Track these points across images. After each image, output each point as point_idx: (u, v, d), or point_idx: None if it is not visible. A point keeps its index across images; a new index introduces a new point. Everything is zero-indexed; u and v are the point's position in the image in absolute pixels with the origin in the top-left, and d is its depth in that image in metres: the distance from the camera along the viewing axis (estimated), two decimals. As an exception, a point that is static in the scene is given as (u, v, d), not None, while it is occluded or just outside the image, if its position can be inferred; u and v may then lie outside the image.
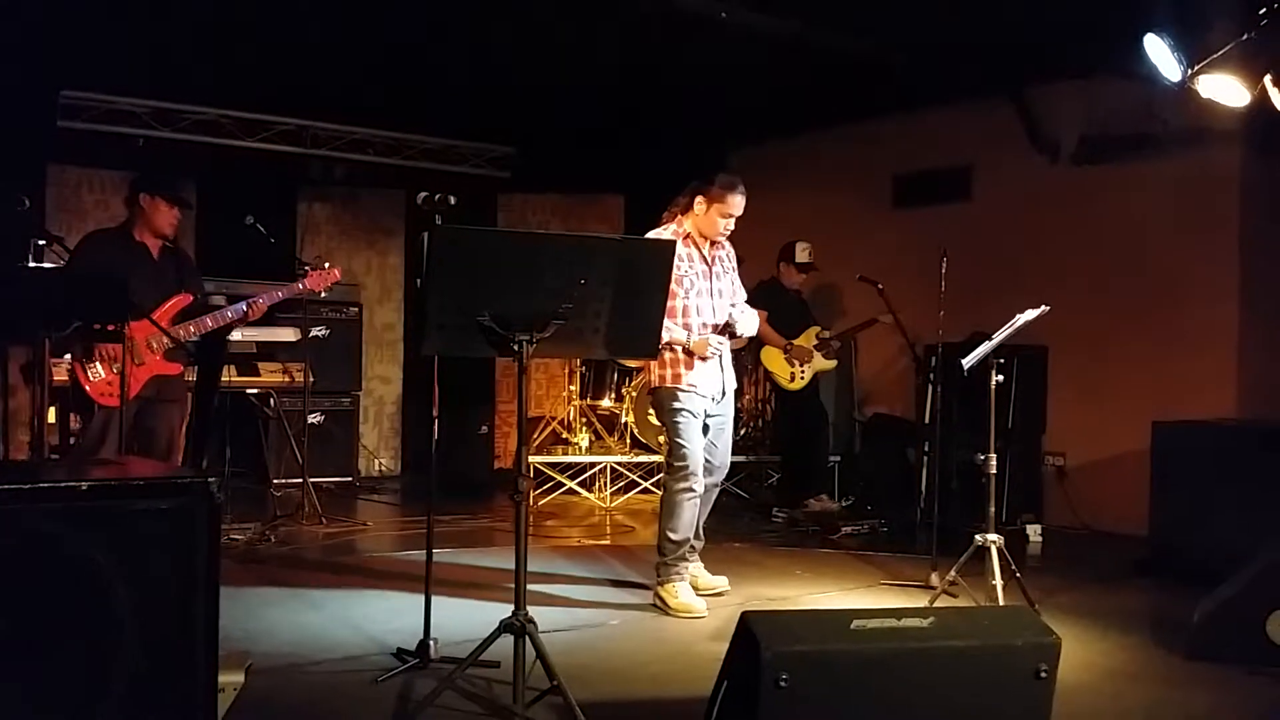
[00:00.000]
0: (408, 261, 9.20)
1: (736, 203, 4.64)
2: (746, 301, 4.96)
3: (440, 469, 4.23)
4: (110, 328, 4.56)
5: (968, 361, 4.71)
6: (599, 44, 6.74)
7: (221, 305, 5.27)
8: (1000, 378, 4.74)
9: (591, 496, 7.66)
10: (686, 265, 4.65)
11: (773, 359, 7.29)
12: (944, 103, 7.55)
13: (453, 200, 4.22)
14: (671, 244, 3.74)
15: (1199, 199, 6.49)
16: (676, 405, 4.61)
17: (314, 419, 7.76)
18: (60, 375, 5.32)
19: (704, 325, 4.66)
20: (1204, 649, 3.93)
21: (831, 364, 7.43)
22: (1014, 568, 4.55)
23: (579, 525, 6.95)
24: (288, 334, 7.04)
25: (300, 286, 5.45)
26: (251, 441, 7.46)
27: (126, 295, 4.45)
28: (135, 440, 4.97)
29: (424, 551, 3.83)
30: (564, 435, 8.05)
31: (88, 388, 4.84)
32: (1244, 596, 3.91)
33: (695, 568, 4.86)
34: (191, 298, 5.14)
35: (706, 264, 4.75)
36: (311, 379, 6.99)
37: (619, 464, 7.65)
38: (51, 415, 5.57)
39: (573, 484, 7.63)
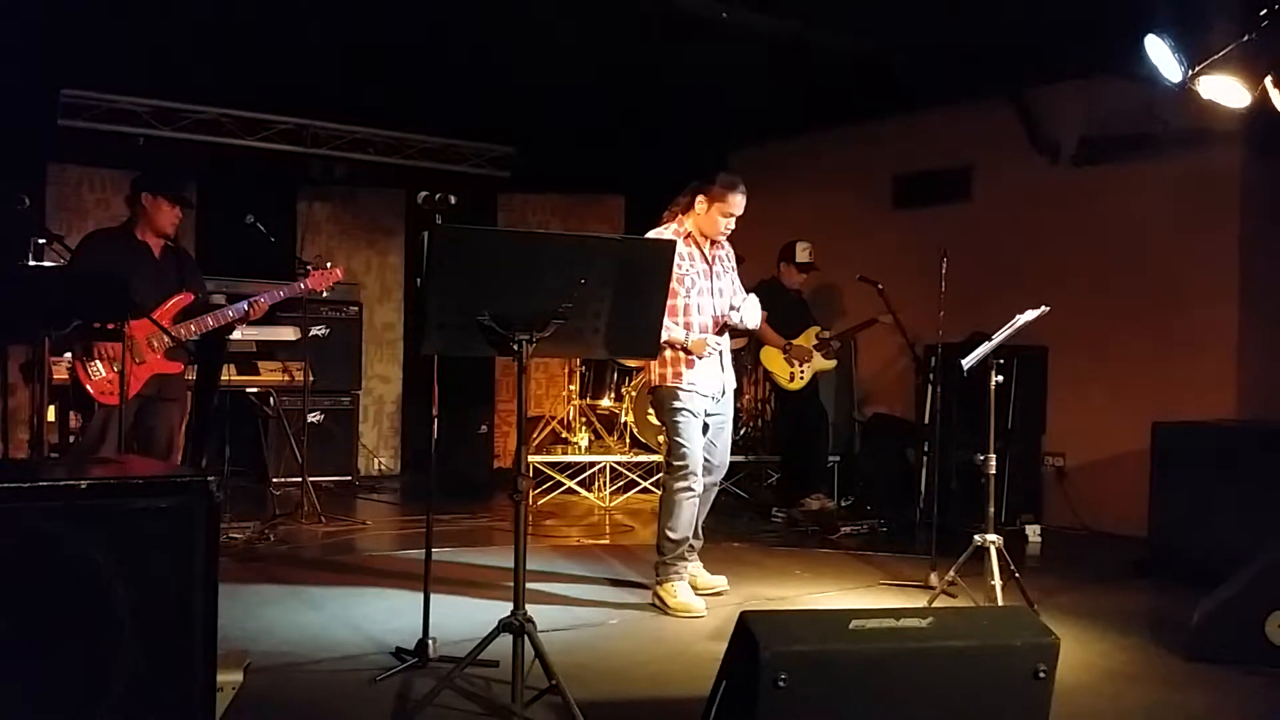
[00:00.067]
0: (408, 261, 9.20)
1: (737, 202, 4.64)
2: (747, 301, 4.96)
3: (440, 468, 4.23)
4: (110, 326, 4.57)
5: (967, 362, 4.71)
6: (599, 44, 6.73)
7: (222, 305, 5.28)
8: (1000, 378, 4.74)
9: (591, 496, 7.66)
10: (688, 264, 4.65)
11: (772, 359, 7.29)
12: (944, 103, 7.55)
13: (453, 200, 4.22)
14: (671, 244, 3.74)
15: (1199, 200, 6.49)
16: (677, 405, 4.61)
17: (314, 418, 7.76)
18: (60, 374, 5.33)
19: (704, 325, 4.67)
20: (1203, 649, 3.93)
21: (831, 364, 7.43)
22: (1013, 568, 4.55)
23: (578, 525, 6.95)
24: (288, 333, 7.04)
25: (302, 286, 5.45)
26: (251, 440, 7.45)
27: (127, 294, 4.45)
28: (135, 439, 4.97)
29: (423, 551, 3.82)
30: (563, 435, 8.05)
31: (88, 386, 4.83)
32: (1243, 597, 3.91)
33: (694, 567, 4.86)
34: (193, 297, 5.14)
35: (707, 263, 4.75)
36: (311, 378, 6.99)
37: (618, 463, 7.65)
38: (51, 414, 5.59)
39: (572, 483, 7.63)
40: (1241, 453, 5.26)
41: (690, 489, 4.61)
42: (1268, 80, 4.41)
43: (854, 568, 5.62)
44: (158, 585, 2.42)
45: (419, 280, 3.35)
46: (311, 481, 6.71)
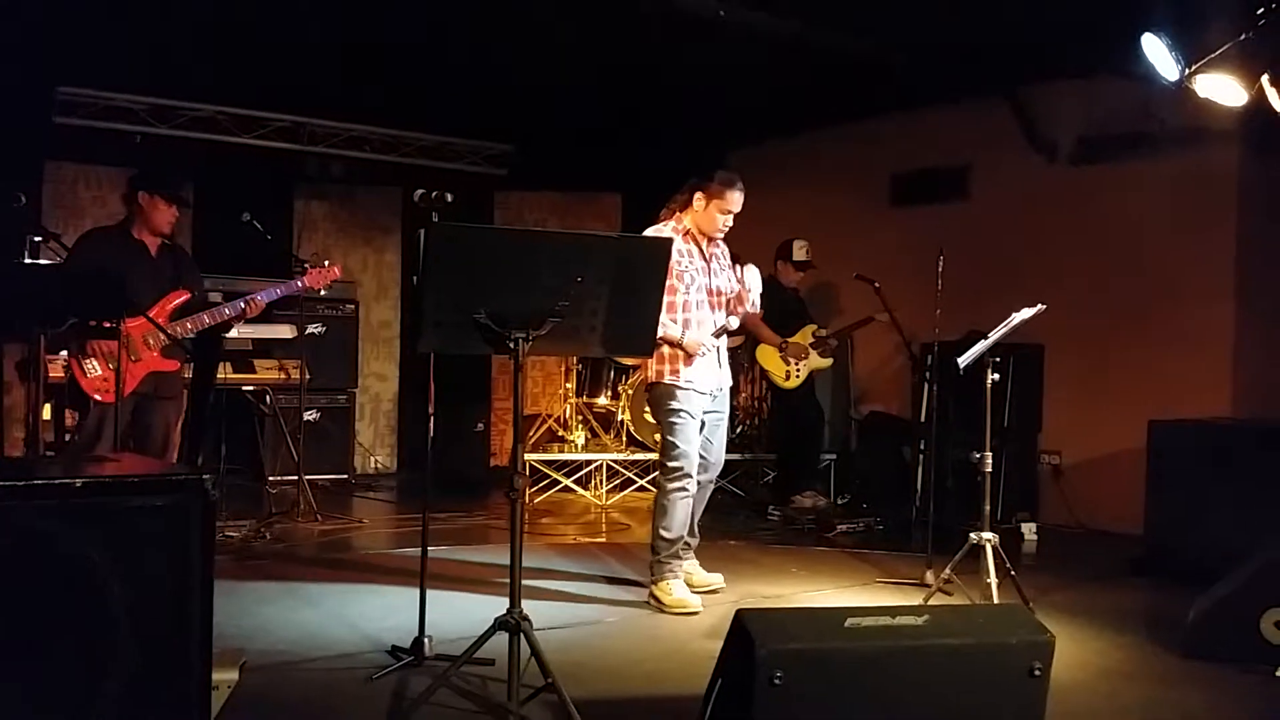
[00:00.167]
0: (404, 259, 9.19)
1: (735, 199, 4.64)
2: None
3: (436, 466, 4.22)
4: (106, 324, 4.56)
5: (964, 360, 4.71)
6: (598, 43, 6.73)
7: (219, 303, 5.27)
8: (996, 376, 4.75)
9: (587, 494, 7.66)
10: (687, 261, 4.65)
11: (768, 357, 7.30)
12: (942, 102, 7.55)
13: (449, 198, 4.22)
14: (668, 241, 3.74)
15: (1196, 198, 6.50)
16: (674, 405, 4.61)
17: (310, 416, 7.76)
18: (56, 372, 5.33)
19: (701, 321, 4.67)
20: (1199, 647, 3.94)
21: (827, 362, 7.43)
22: (1009, 566, 4.55)
23: (574, 523, 6.95)
24: (284, 331, 7.04)
25: (299, 284, 5.44)
26: (247, 438, 7.45)
27: (123, 292, 4.44)
28: (131, 437, 4.96)
29: (419, 549, 3.82)
30: (560, 433, 8.05)
31: (84, 384, 4.83)
32: (1239, 595, 3.92)
33: (690, 565, 4.86)
34: (189, 294, 5.13)
35: (705, 260, 4.75)
36: (308, 376, 6.99)
37: (615, 462, 7.65)
38: (47, 412, 5.59)
39: (568, 481, 7.63)
40: (1237, 451, 5.27)
41: (684, 489, 4.61)
42: (1264, 79, 4.41)
43: (850, 566, 5.62)
44: (153, 583, 2.42)
45: (415, 278, 3.35)
46: (308, 479, 6.70)
